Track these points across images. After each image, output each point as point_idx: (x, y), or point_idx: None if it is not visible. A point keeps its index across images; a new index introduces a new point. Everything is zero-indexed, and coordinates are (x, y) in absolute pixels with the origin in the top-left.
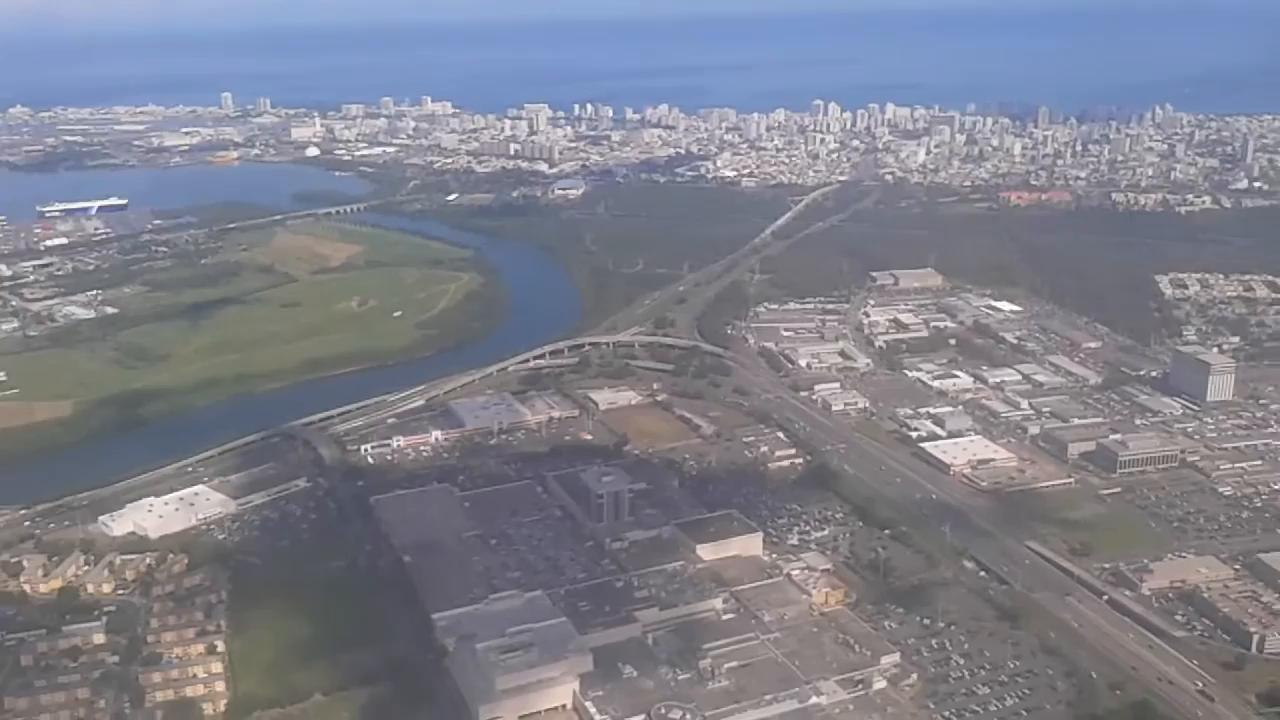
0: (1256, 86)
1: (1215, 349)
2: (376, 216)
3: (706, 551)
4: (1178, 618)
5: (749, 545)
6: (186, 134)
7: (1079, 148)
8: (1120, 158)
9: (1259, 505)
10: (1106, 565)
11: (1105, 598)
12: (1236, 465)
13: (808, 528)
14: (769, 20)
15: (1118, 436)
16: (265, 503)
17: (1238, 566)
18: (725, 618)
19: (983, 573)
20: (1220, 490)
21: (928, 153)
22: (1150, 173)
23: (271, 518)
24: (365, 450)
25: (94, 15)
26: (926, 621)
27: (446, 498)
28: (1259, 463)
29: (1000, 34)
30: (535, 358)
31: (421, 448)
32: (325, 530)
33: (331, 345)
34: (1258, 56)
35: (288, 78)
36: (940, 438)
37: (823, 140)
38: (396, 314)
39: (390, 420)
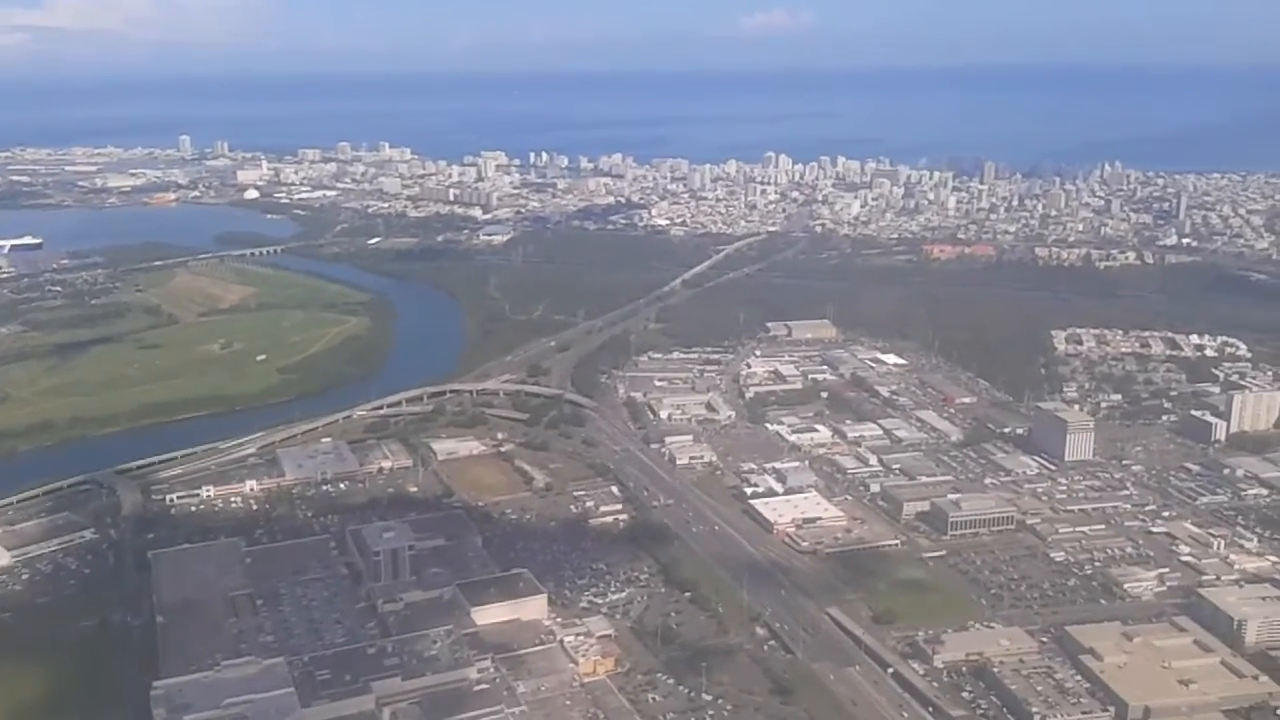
0: (1215, 144)
1: (1075, 407)
2: (291, 259)
3: (482, 615)
4: (964, 694)
5: (531, 608)
6: (132, 175)
7: (1015, 203)
8: (1054, 213)
9: (1088, 573)
10: (907, 634)
11: (891, 671)
12: (1077, 529)
13: (606, 589)
14: (761, 77)
15: (954, 496)
16: (43, 555)
17: (1044, 639)
18: (477, 689)
19: (771, 641)
20: (1052, 555)
21: (863, 205)
22: (1081, 228)
23: (43, 571)
24: (170, 500)
25: (99, 60)
26: (693, 694)
27: (230, 553)
28: (1101, 527)
29: (991, 92)
30: (390, 404)
31: (233, 498)
32: (94, 586)
33: (181, 389)
34: (1229, 116)
35: (264, 123)
36: (776, 494)
37: (763, 191)
38: (260, 358)
39: (212, 468)
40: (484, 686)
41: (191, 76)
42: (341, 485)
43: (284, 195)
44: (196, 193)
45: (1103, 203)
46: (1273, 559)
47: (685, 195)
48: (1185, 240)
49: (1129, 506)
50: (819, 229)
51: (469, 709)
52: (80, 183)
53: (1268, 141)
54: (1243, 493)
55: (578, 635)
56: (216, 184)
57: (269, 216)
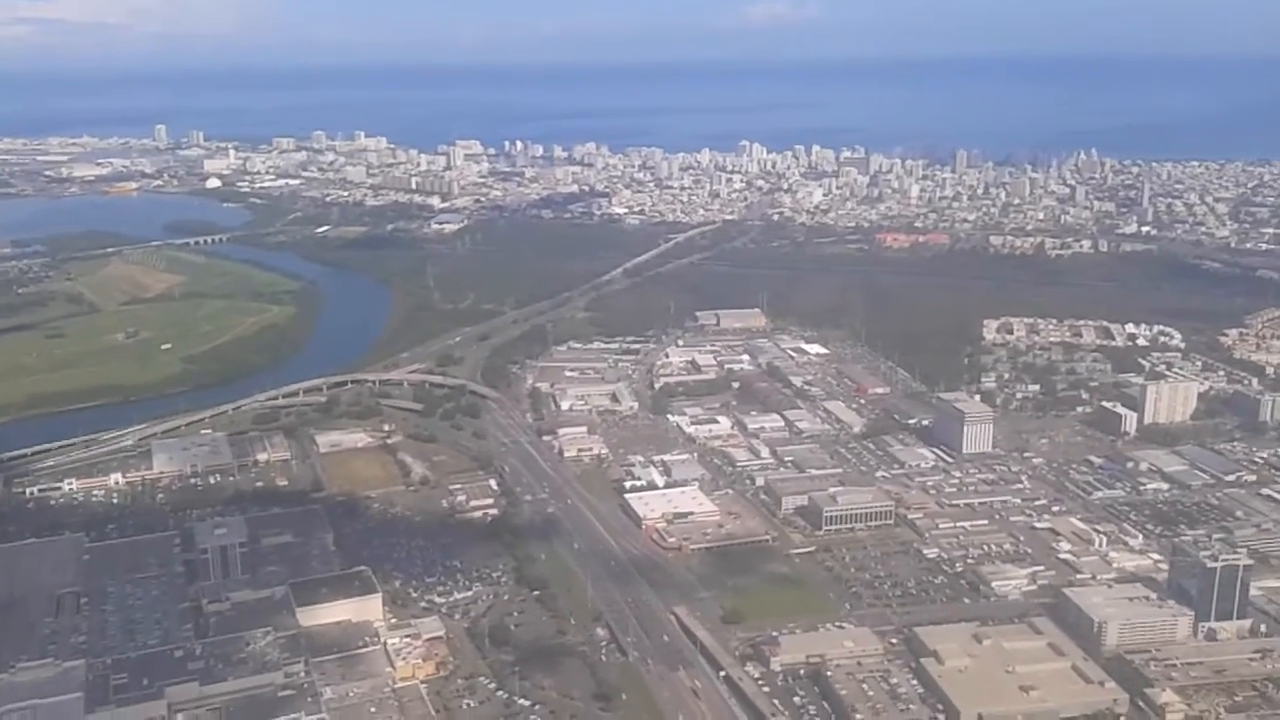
0: (1199, 133)
1: (976, 398)
2: (233, 248)
3: (310, 616)
4: (795, 699)
5: (364, 609)
6: (98, 165)
7: (981, 191)
8: (1017, 201)
9: (959, 570)
10: (753, 635)
11: (722, 674)
12: (958, 524)
13: (454, 587)
14: (763, 68)
15: (832, 491)
16: None
17: (895, 640)
18: (282, 694)
19: (610, 642)
20: (925, 552)
21: (826, 194)
22: (1041, 216)
23: None
24: (29, 493)
25: (101, 53)
26: (510, 700)
27: (69, 550)
28: (984, 522)
29: (987, 82)
30: (287, 395)
31: (95, 491)
32: None
33: (78, 379)
34: (1220, 105)
35: (252, 113)
36: (656, 488)
37: (729, 180)
38: (165, 346)
39: (85, 460)
40: (289, 692)
41: (192, 69)
42: (212, 479)
43: (246, 184)
44: (159, 182)
45: (1068, 191)
46: (1155, 557)
47: (651, 184)
48: (1145, 229)
49: (1019, 501)
50: (776, 217)
51: (268, 716)
52: (47, 172)
53: (1253, 130)
54: (1142, 487)
55: (403, 637)
56: (182, 173)
57: (225, 205)
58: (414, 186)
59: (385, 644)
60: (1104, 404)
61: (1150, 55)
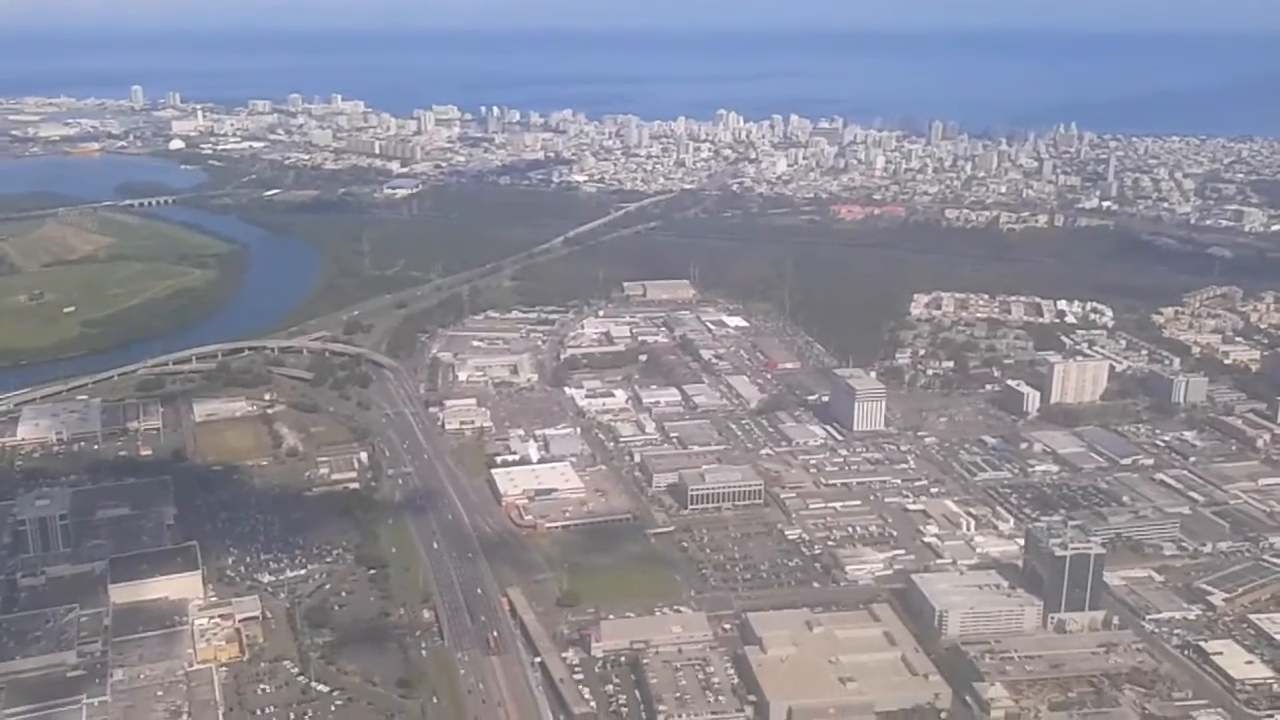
0: (1186, 108)
1: (870, 374)
2: (176, 210)
3: (124, 593)
4: (609, 687)
5: (184, 586)
6: (66, 125)
7: (949, 164)
8: (981, 175)
9: (816, 553)
10: (584, 618)
11: (538, 660)
12: (829, 505)
13: (289, 564)
14: (757, 35)
15: (705, 468)
16: None
17: (728, 626)
18: (72, 675)
19: (434, 625)
20: (787, 533)
21: (790, 164)
22: (1004, 190)
23: None
24: None
25: (105, 12)
26: (308, 685)
27: None
28: (857, 503)
29: (987, 54)
30: (179, 361)
31: None
32: None
33: None
34: (1213, 81)
35: (236, 75)
36: (530, 463)
37: (697, 149)
38: (68, 309)
39: None
40: (79, 673)
41: (193, 31)
42: (76, 447)
43: (210, 146)
44: (124, 143)
45: (1035, 165)
46: (1023, 542)
47: (618, 152)
48: (1107, 204)
49: (899, 481)
50: (735, 188)
51: (47, 698)
52: (13, 131)
53: (1244, 105)
54: (1031, 469)
55: (212, 618)
56: (148, 134)
57: (184, 167)
58: (377, 151)
59: (193, 624)
60: (1009, 383)
61: (1153, 31)
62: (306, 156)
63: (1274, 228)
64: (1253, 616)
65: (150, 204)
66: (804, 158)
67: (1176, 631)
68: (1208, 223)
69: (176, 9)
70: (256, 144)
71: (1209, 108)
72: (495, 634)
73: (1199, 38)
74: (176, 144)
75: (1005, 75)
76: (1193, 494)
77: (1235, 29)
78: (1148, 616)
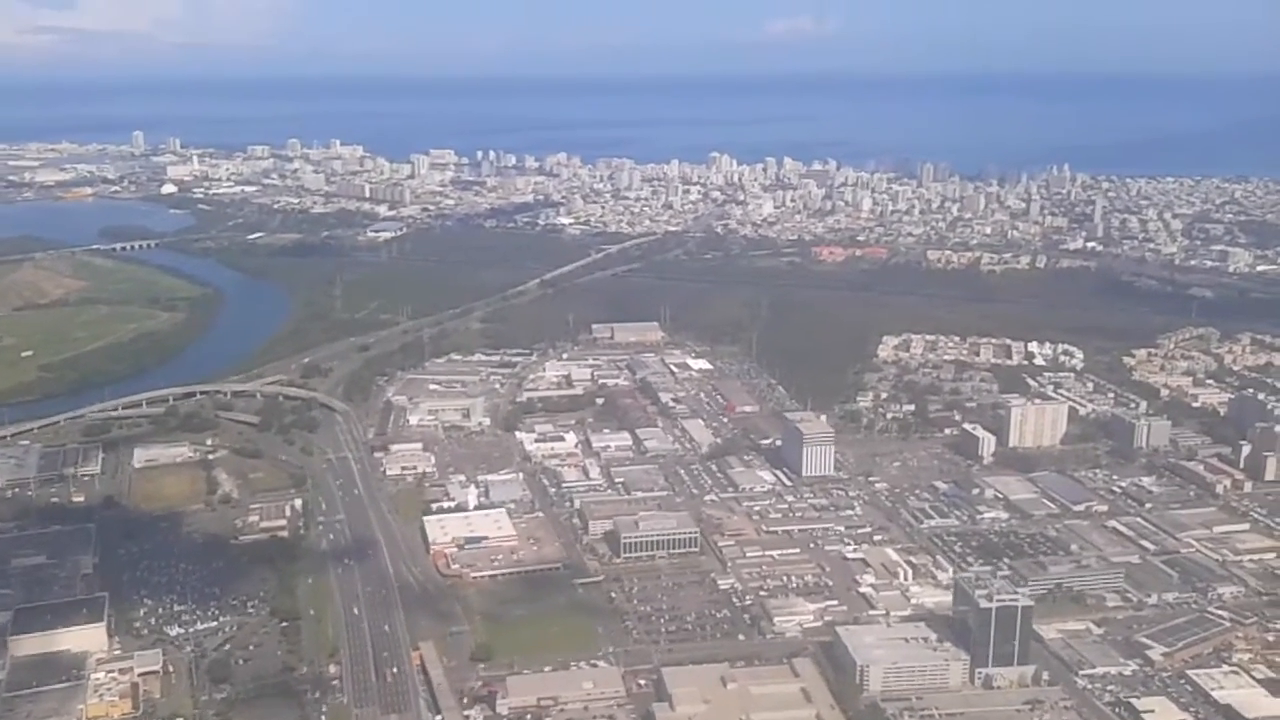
0: (1186, 150)
1: (822, 417)
2: (158, 254)
3: (22, 645)
4: None
5: (87, 639)
6: (62, 170)
7: (937, 205)
8: (968, 216)
9: (747, 603)
10: (497, 674)
11: (439, 718)
12: (767, 553)
13: (201, 616)
14: (777, 82)
15: (642, 515)
16: None
17: (643, 681)
18: None
19: (336, 680)
20: (719, 583)
21: (777, 206)
22: (989, 231)
23: None
24: None
25: (125, 62)
26: None
27: None
28: (795, 551)
29: (994, 98)
30: (128, 405)
31: None
32: None
33: None
34: (1216, 123)
35: (241, 121)
36: (466, 510)
37: (686, 192)
38: (26, 353)
39: None
40: None
41: (209, 79)
42: (10, 494)
43: (201, 191)
44: (117, 188)
45: (1023, 206)
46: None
47: (608, 195)
48: (1091, 244)
49: (842, 528)
50: (720, 230)
51: None
52: (10, 177)
53: (1243, 147)
54: (979, 516)
55: (109, 672)
56: (143, 179)
57: (172, 211)
58: (366, 194)
59: (89, 678)
60: (965, 426)
61: (1166, 74)
62: (296, 200)
63: (1259, 268)
64: (1191, 672)
65: (131, 248)
66: (791, 199)
67: (1110, 688)
68: (1192, 263)
69: (197, 58)
70: (249, 188)
71: (1208, 149)
72: (397, 692)
73: (1212, 80)
74: (169, 188)
75: (1007, 118)
76: (1144, 542)
77: (1250, 71)
78: (1081, 672)
